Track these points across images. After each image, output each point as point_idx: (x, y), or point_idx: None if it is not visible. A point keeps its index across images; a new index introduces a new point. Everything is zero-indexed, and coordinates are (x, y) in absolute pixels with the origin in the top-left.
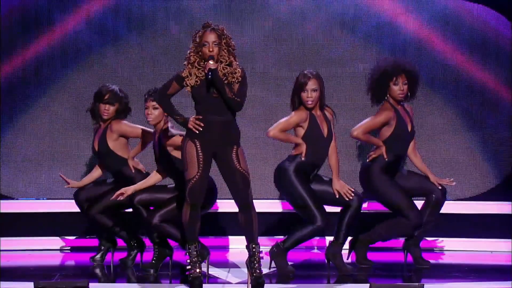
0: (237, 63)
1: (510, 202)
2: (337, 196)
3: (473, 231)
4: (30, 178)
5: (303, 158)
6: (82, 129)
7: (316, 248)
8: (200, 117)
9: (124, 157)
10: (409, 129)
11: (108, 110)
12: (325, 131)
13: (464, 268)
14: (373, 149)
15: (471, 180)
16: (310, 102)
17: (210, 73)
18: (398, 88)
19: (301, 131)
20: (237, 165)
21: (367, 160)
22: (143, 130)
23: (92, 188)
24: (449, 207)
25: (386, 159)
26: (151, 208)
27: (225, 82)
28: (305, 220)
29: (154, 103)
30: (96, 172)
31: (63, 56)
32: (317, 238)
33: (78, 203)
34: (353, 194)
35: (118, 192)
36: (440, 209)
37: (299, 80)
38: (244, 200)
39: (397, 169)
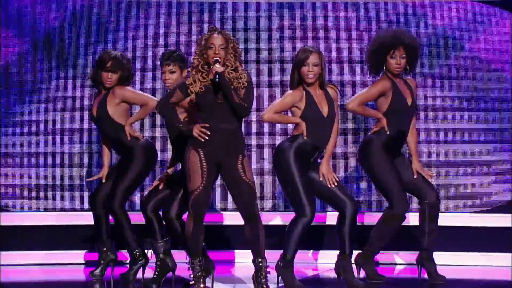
0: (243, 68)
1: None
2: (321, 179)
3: (491, 245)
4: (26, 189)
5: (305, 138)
6: (78, 134)
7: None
8: (207, 125)
9: (123, 124)
10: (409, 102)
11: (111, 78)
12: (324, 111)
13: (482, 283)
14: (375, 124)
15: (488, 191)
16: (311, 76)
17: (217, 76)
18: (395, 61)
19: (298, 112)
20: (243, 175)
21: (369, 134)
22: (147, 97)
23: (107, 185)
24: (466, 219)
25: (388, 133)
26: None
27: (231, 87)
28: (294, 210)
29: (171, 67)
30: (106, 149)
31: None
32: (327, 252)
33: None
34: (336, 184)
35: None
36: (437, 213)
37: (299, 55)
38: (250, 212)
39: (399, 146)
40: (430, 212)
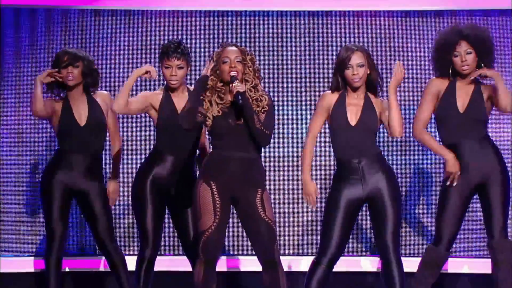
0: (262, 88)
1: None
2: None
3: None
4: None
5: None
6: None
7: None
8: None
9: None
10: (461, 108)
11: (71, 72)
12: (352, 118)
13: None
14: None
15: None
16: (356, 80)
17: (240, 98)
18: (459, 59)
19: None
20: (262, 213)
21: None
22: (118, 135)
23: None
24: None
25: (452, 184)
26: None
27: None
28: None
29: (180, 61)
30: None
31: None
32: None
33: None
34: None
35: None
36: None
37: (340, 55)
38: (269, 256)
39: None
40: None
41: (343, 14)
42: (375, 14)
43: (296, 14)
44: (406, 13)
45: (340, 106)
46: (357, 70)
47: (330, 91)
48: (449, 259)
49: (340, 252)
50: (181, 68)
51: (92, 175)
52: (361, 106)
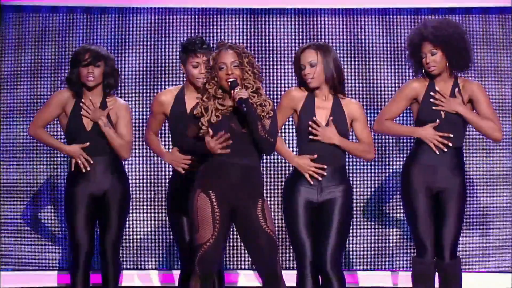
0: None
1: None
2: None
3: None
4: None
5: None
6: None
7: None
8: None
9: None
10: (443, 112)
11: (92, 72)
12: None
13: None
14: None
15: None
16: (309, 81)
17: (244, 105)
18: (425, 60)
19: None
20: (263, 224)
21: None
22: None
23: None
24: None
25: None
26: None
27: None
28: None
29: (206, 57)
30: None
31: None
32: None
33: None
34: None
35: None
36: None
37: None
38: (270, 269)
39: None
40: None
41: (349, 12)
42: (383, 11)
43: (300, 11)
44: (400, 11)
45: (308, 108)
46: (308, 70)
47: (295, 89)
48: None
49: (316, 253)
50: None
51: (113, 175)
52: (330, 109)
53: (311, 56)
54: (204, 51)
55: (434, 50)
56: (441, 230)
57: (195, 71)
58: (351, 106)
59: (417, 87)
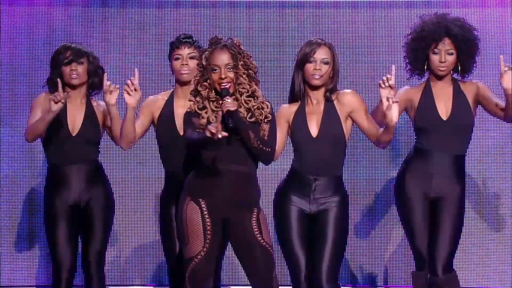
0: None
1: None
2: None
3: None
4: None
5: None
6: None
7: None
8: None
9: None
10: (444, 116)
11: (75, 69)
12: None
13: None
14: None
15: None
16: (317, 77)
17: (229, 120)
18: (438, 58)
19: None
20: (258, 236)
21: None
22: None
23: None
24: None
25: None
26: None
27: (250, 120)
28: None
29: (191, 49)
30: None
31: None
32: None
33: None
34: None
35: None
36: None
37: (303, 50)
38: (266, 285)
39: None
40: None
41: (354, 4)
42: (390, 4)
43: (298, 4)
44: (395, 3)
45: (299, 116)
46: (320, 65)
47: (286, 105)
48: None
49: (311, 268)
50: (192, 57)
51: (95, 183)
52: (321, 112)
53: (325, 54)
54: (187, 44)
55: (452, 50)
56: (434, 241)
57: (177, 64)
58: (345, 98)
59: (412, 94)
